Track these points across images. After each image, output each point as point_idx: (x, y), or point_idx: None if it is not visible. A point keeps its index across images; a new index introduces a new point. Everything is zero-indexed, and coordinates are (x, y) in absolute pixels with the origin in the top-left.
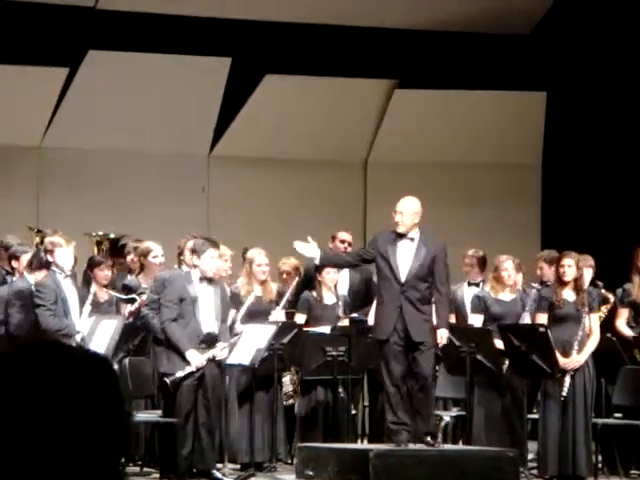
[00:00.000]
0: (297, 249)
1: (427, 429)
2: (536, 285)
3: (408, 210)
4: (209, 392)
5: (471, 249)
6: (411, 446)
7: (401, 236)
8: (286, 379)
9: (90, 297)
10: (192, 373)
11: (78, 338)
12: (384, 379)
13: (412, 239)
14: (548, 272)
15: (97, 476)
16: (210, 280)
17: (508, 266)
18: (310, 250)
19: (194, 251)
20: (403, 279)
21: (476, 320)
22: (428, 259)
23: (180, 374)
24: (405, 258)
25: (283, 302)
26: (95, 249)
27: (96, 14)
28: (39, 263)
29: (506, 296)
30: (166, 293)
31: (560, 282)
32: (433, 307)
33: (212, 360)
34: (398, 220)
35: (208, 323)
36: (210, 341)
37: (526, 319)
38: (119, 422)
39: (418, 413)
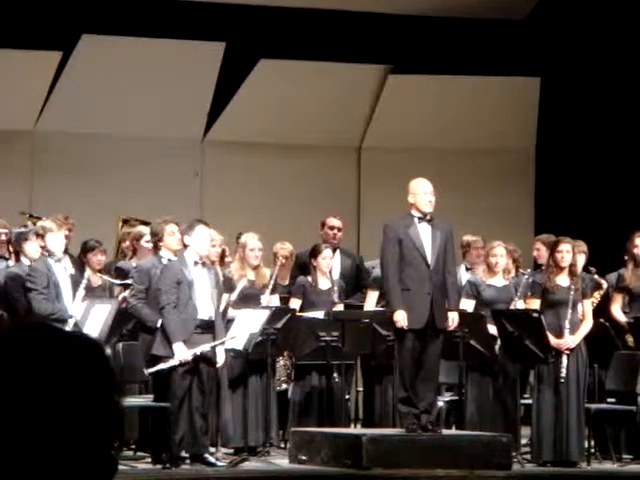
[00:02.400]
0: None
1: (432, 417)
2: (527, 271)
3: (433, 191)
4: (204, 377)
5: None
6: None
7: (418, 220)
8: (279, 364)
9: (84, 282)
10: (175, 367)
11: (71, 322)
12: (401, 367)
13: (430, 221)
14: (545, 255)
15: (90, 459)
16: (204, 264)
17: (498, 252)
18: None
19: (185, 232)
20: (432, 262)
21: (468, 305)
22: (443, 242)
23: (162, 366)
24: (427, 242)
25: (271, 286)
26: (120, 226)
27: None
28: (17, 240)
29: (498, 281)
30: (164, 277)
31: (556, 267)
32: None
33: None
34: (431, 200)
35: (204, 307)
36: (206, 326)
37: (518, 305)
38: (112, 405)
39: (423, 399)
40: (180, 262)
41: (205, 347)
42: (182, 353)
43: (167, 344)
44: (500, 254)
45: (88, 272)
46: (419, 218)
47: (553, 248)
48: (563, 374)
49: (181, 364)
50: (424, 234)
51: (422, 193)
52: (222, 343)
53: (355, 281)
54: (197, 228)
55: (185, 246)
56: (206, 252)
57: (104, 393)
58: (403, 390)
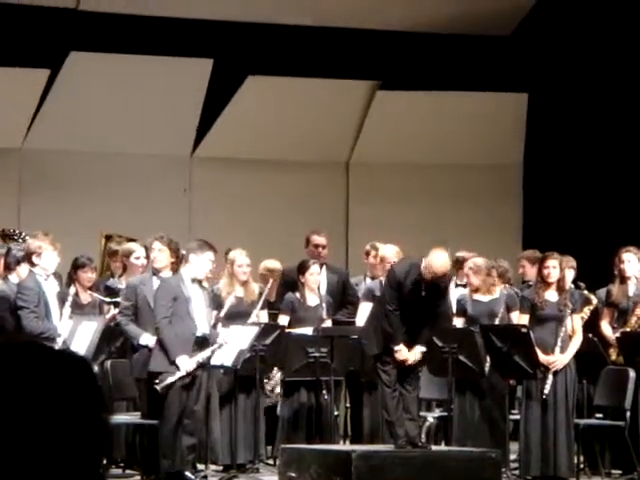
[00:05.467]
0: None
1: (418, 431)
2: (514, 289)
3: (450, 267)
4: (196, 394)
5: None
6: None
7: (422, 279)
8: (275, 378)
9: (70, 299)
10: (182, 377)
11: (60, 341)
12: (385, 385)
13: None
14: (530, 272)
15: (78, 477)
16: (199, 282)
17: (468, 272)
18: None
19: (191, 249)
20: (418, 315)
21: (458, 323)
22: (439, 297)
23: (171, 379)
24: (424, 298)
25: (260, 302)
26: (102, 243)
27: (78, 15)
28: (16, 260)
29: (483, 297)
30: (160, 292)
31: (543, 283)
32: None
33: (201, 364)
34: (440, 279)
35: (200, 324)
36: (202, 343)
37: (512, 320)
38: (99, 423)
39: (409, 415)
40: (177, 279)
41: (206, 353)
42: (186, 364)
43: (166, 359)
44: (466, 273)
45: (73, 289)
46: (425, 281)
47: (540, 264)
48: (546, 390)
49: (188, 374)
50: (424, 291)
51: (433, 271)
52: (220, 346)
53: (341, 297)
54: (206, 253)
55: (178, 262)
56: (203, 276)
57: (91, 411)
58: (388, 412)
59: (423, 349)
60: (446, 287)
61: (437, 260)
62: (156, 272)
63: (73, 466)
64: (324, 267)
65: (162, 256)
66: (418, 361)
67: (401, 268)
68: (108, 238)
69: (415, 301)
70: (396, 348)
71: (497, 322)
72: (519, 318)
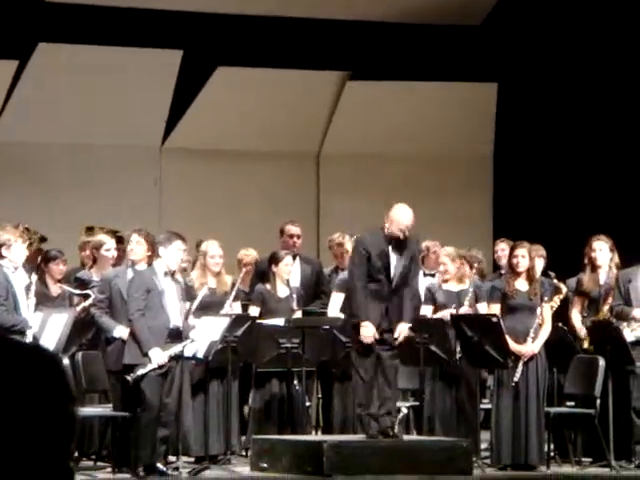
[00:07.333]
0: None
1: (392, 422)
2: (477, 280)
3: (413, 219)
4: (168, 387)
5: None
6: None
7: (388, 239)
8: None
9: (33, 288)
10: (154, 369)
11: (30, 334)
12: (358, 375)
13: (403, 241)
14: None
15: (46, 470)
16: (172, 275)
17: (441, 260)
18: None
19: (159, 242)
20: (395, 281)
21: (426, 311)
22: (408, 260)
23: (142, 371)
24: (394, 261)
25: (233, 293)
26: (83, 235)
27: (46, 6)
28: None
29: (452, 286)
30: (133, 285)
31: (513, 272)
32: None
33: (173, 357)
34: (404, 231)
35: (174, 317)
36: (176, 335)
37: (481, 309)
38: (66, 416)
39: (386, 409)
40: (150, 271)
41: (178, 347)
42: (158, 356)
43: (139, 352)
44: (443, 262)
45: (35, 277)
46: (390, 238)
47: (510, 253)
48: (516, 378)
49: (159, 366)
50: (392, 253)
51: (396, 222)
52: (192, 342)
53: (315, 288)
54: (174, 243)
55: (153, 255)
56: (176, 267)
57: (58, 404)
58: (363, 396)
59: (405, 327)
60: (415, 253)
61: (401, 211)
62: (133, 264)
63: (41, 458)
64: (297, 258)
65: (139, 249)
66: (404, 340)
67: (365, 235)
68: (89, 230)
69: (385, 267)
70: (363, 324)
71: (463, 311)
72: (490, 308)
